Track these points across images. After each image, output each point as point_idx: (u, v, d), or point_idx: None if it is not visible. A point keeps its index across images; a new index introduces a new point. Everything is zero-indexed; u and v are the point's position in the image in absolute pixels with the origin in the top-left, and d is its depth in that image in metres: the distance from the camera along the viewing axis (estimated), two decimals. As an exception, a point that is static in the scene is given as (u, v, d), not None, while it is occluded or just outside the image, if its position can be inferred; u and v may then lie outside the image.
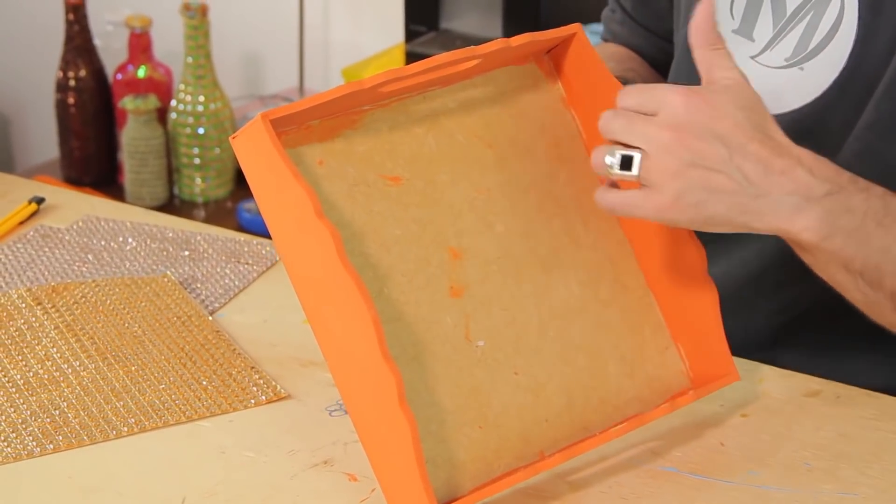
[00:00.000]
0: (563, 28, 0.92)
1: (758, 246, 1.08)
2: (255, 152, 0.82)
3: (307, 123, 0.85)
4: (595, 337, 0.90)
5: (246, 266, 1.16)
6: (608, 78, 0.91)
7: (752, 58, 1.04)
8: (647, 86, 0.84)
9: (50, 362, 1.00)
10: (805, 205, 0.82)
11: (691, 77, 1.09)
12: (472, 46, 0.87)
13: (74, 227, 1.22)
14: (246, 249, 1.19)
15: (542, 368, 0.87)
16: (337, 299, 0.80)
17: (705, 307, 0.91)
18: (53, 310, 1.07)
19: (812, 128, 1.01)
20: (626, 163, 0.82)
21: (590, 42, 0.93)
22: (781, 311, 1.08)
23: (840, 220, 0.83)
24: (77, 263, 1.16)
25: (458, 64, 0.87)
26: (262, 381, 0.99)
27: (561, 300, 0.90)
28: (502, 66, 0.92)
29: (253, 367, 1.00)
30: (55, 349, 1.02)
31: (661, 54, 1.22)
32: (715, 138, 0.81)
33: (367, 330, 0.78)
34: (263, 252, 1.18)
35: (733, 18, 1.05)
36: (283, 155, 0.80)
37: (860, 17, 0.98)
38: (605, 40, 1.26)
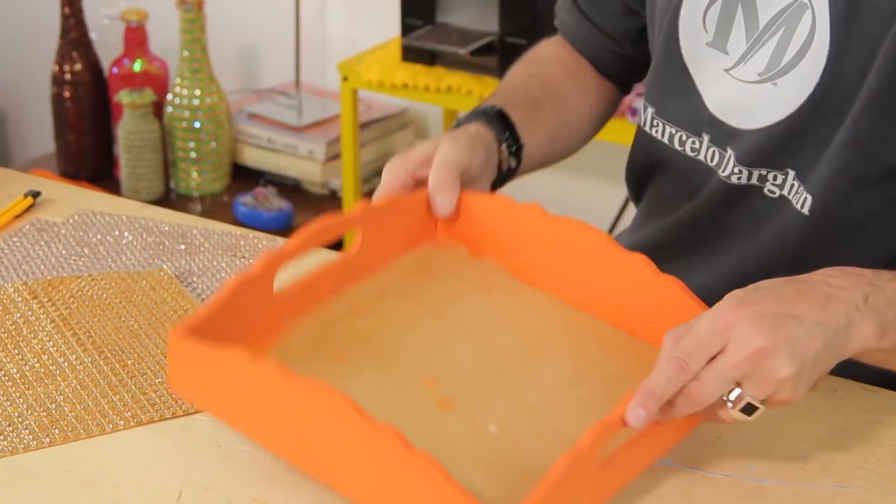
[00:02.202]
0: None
1: (736, 257, 1.08)
2: (193, 365, 0.84)
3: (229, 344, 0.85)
4: (605, 387, 0.89)
5: (242, 260, 1.16)
6: (506, 211, 0.96)
7: (727, 70, 1.04)
8: (693, 331, 0.81)
9: (46, 356, 1.00)
10: (857, 316, 0.84)
11: (668, 84, 1.08)
12: (337, 214, 0.92)
13: (70, 221, 1.22)
14: (242, 243, 1.18)
15: (567, 426, 0.85)
16: (312, 420, 0.79)
17: None
18: (49, 303, 1.07)
19: (786, 143, 1.01)
20: (749, 409, 0.82)
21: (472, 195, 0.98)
22: None
23: (887, 314, 0.85)
24: (73, 257, 1.16)
25: (330, 232, 0.91)
26: (258, 375, 0.99)
27: (556, 375, 0.90)
28: (401, 255, 0.97)
29: (249, 361, 1.00)
30: (51, 343, 1.02)
31: (606, 55, 1.21)
32: (786, 318, 0.81)
33: (342, 412, 0.77)
34: (259, 246, 1.18)
35: (706, 31, 1.04)
36: (220, 348, 0.82)
37: (832, 34, 0.97)
38: (556, 28, 1.25)
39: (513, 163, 1.07)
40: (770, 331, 0.80)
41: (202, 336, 0.85)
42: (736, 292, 0.83)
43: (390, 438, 0.76)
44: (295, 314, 0.91)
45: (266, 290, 0.89)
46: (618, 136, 1.74)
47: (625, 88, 1.25)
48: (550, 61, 1.21)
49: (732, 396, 0.81)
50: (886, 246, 1.01)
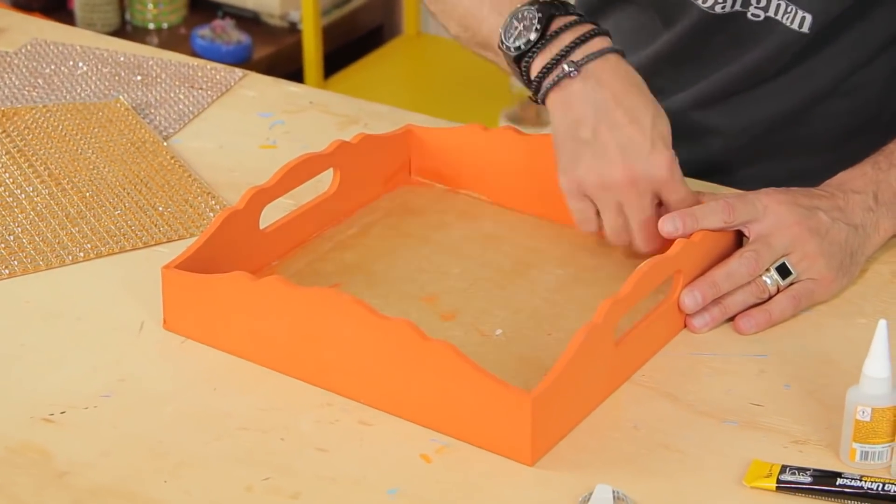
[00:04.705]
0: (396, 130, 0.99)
1: (718, 82, 1.06)
2: (189, 299, 0.84)
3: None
4: (602, 288, 0.88)
5: (200, 91, 1.14)
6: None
7: None
8: (719, 207, 0.87)
9: (2, 187, 0.99)
10: (871, 217, 0.90)
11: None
12: (312, 153, 0.92)
13: (23, 50, 1.19)
14: (199, 74, 1.16)
15: (571, 323, 0.85)
16: (322, 327, 0.79)
17: None
18: (4, 134, 1.05)
19: None
20: (783, 271, 0.87)
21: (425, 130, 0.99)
22: (740, 133, 1.08)
23: None
24: (27, 88, 1.14)
25: (308, 168, 0.91)
26: (218, 207, 0.98)
27: (553, 281, 0.90)
28: (378, 198, 0.98)
29: (209, 193, 1.00)
30: (7, 174, 1.01)
31: None
32: (811, 210, 0.88)
33: (353, 313, 0.77)
34: (217, 77, 1.16)
35: None
36: (214, 278, 0.83)
37: None
38: None
39: None
40: (803, 217, 0.87)
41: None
42: (768, 189, 0.89)
43: (405, 330, 0.77)
44: (280, 253, 0.91)
45: (252, 226, 0.89)
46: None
47: None
48: None
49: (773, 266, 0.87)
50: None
